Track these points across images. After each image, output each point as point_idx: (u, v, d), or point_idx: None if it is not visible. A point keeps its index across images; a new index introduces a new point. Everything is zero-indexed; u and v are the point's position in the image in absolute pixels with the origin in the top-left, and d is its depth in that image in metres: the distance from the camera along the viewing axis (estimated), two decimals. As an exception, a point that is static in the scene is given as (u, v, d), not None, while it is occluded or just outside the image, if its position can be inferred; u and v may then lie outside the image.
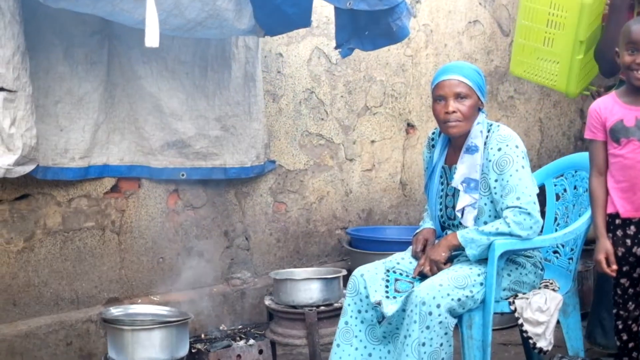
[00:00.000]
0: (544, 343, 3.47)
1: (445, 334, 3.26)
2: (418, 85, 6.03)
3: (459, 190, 3.53)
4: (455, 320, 3.33)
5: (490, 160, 3.44)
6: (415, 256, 3.67)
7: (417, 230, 3.82)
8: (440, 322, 3.23)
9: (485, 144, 3.48)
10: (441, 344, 3.24)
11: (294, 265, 5.32)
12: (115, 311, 4.04)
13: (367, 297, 3.50)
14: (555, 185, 4.11)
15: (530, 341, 3.48)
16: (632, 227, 3.54)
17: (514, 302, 3.50)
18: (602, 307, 4.36)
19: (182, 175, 4.72)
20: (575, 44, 4.53)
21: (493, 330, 3.52)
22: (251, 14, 3.91)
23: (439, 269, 3.48)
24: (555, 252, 3.99)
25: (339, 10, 4.18)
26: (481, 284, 3.39)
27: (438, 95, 3.49)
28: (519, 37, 4.86)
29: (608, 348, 4.32)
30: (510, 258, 3.53)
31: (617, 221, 3.57)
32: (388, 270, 3.61)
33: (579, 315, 3.81)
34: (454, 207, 3.58)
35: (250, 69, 4.88)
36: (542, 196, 3.67)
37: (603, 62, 4.35)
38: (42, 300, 4.28)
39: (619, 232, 3.57)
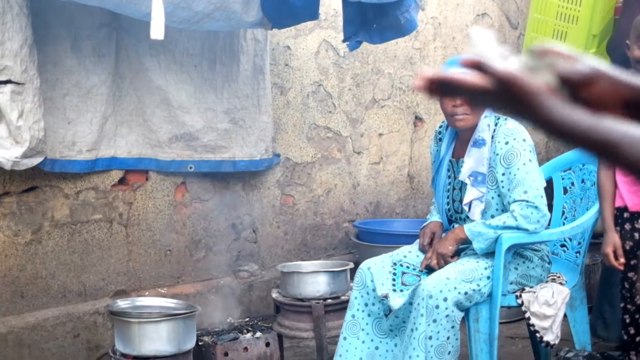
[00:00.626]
0: (551, 337, 3.47)
1: (452, 327, 3.26)
2: (426, 78, 6.00)
3: (466, 184, 3.52)
4: (462, 314, 3.33)
5: (497, 154, 3.43)
6: (423, 249, 3.67)
7: (425, 224, 3.82)
8: (447, 316, 3.23)
9: (492, 137, 3.47)
10: (448, 338, 3.24)
11: (301, 258, 5.32)
12: (122, 303, 4.05)
13: (374, 290, 3.50)
14: (562, 179, 4.10)
15: (537, 335, 3.48)
16: (640, 221, 3.53)
17: (521, 296, 3.50)
18: (605, 300, 4.36)
19: (190, 167, 4.72)
20: (589, 37, 4.52)
21: (500, 323, 3.52)
22: (259, 6, 3.91)
23: (446, 263, 3.48)
24: (562, 245, 3.99)
25: (346, 3, 4.16)
26: (488, 277, 3.39)
27: (446, 89, 3.48)
28: (531, 31, 4.85)
29: (609, 340, 4.32)
30: (518, 252, 3.52)
31: (625, 215, 3.56)
32: (395, 264, 3.61)
33: (586, 309, 3.81)
34: (461, 201, 3.58)
35: (259, 61, 4.87)
36: (549, 190, 3.67)
37: (616, 56, 4.34)
38: (49, 292, 4.29)
39: (627, 226, 3.56)
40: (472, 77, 1.02)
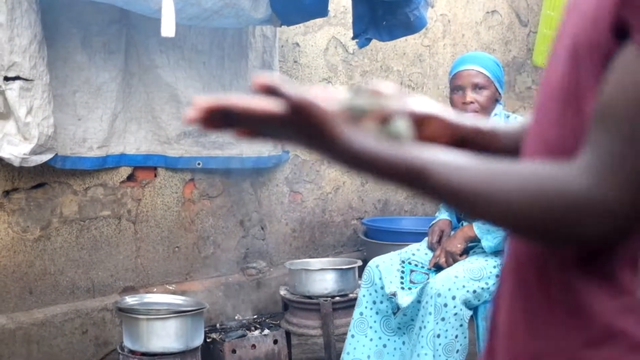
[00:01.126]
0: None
1: (461, 325, 3.25)
2: (435, 76, 6.00)
3: (476, 182, 3.51)
4: (470, 312, 3.32)
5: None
6: (431, 247, 3.66)
7: (433, 222, 3.80)
8: (456, 314, 3.22)
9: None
10: (456, 336, 3.23)
11: (310, 255, 5.32)
12: (130, 300, 4.05)
13: (382, 288, 3.50)
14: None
15: (546, 334, 3.46)
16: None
17: (530, 295, 3.48)
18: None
19: (199, 164, 4.72)
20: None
21: (509, 322, 3.50)
22: (267, 3, 3.90)
23: (455, 261, 3.47)
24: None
25: (356, 0, 4.16)
26: (497, 275, 3.38)
27: (456, 86, 3.47)
28: (543, 28, 4.82)
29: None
30: (527, 250, 3.51)
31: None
32: (403, 262, 3.61)
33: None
34: (470, 199, 3.57)
35: (267, 58, 4.87)
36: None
37: None
38: (58, 288, 4.30)
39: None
40: (259, 103, 0.91)
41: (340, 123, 0.91)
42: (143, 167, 4.60)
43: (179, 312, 3.81)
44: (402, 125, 0.94)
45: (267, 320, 4.56)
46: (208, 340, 4.11)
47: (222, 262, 4.93)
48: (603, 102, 0.91)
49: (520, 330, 1.05)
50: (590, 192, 0.88)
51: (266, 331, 4.25)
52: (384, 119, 0.95)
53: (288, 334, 4.27)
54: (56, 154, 3.93)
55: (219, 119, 0.92)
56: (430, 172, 0.90)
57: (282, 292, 4.34)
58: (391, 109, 0.96)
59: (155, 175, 4.66)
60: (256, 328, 4.33)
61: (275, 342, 4.19)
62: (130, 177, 4.55)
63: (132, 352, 3.81)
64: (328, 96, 0.95)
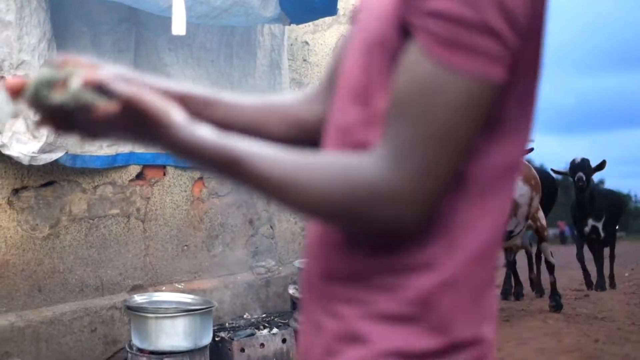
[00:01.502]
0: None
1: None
2: (445, 74, 5.98)
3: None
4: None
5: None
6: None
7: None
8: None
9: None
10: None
11: (319, 254, 5.30)
12: (139, 299, 4.06)
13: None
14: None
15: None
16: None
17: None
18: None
19: (207, 162, 4.72)
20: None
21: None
22: (277, 1, 3.90)
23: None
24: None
25: (365, -1, 4.15)
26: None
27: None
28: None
29: None
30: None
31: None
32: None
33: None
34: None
35: (275, 56, 4.87)
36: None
37: None
38: (67, 286, 4.30)
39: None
40: (100, 102, 0.94)
41: (171, 114, 0.95)
42: (152, 166, 4.60)
43: (187, 311, 3.81)
44: (74, 87, 0.95)
45: (275, 319, 4.56)
46: (217, 339, 4.11)
47: (231, 261, 4.93)
48: (393, 97, 0.96)
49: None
50: (383, 180, 0.93)
51: (275, 330, 4.24)
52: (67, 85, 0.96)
53: (297, 333, 4.27)
54: (66, 152, 3.94)
55: (60, 117, 0.97)
56: (246, 162, 0.96)
57: (291, 290, 4.34)
58: (75, 75, 0.97)
59: (164, 174, 4.66)
60: (265, 327, 4.32)
61: (284, 341, 4.18)
62: (139, 176, 4.55)
63: (140, 350, 3.82)
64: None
